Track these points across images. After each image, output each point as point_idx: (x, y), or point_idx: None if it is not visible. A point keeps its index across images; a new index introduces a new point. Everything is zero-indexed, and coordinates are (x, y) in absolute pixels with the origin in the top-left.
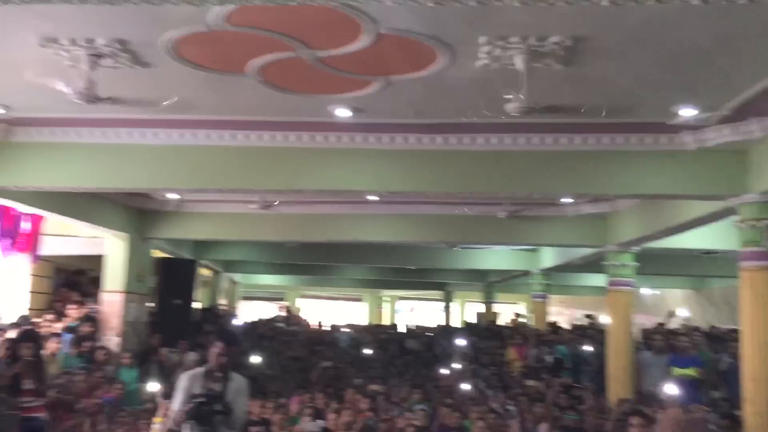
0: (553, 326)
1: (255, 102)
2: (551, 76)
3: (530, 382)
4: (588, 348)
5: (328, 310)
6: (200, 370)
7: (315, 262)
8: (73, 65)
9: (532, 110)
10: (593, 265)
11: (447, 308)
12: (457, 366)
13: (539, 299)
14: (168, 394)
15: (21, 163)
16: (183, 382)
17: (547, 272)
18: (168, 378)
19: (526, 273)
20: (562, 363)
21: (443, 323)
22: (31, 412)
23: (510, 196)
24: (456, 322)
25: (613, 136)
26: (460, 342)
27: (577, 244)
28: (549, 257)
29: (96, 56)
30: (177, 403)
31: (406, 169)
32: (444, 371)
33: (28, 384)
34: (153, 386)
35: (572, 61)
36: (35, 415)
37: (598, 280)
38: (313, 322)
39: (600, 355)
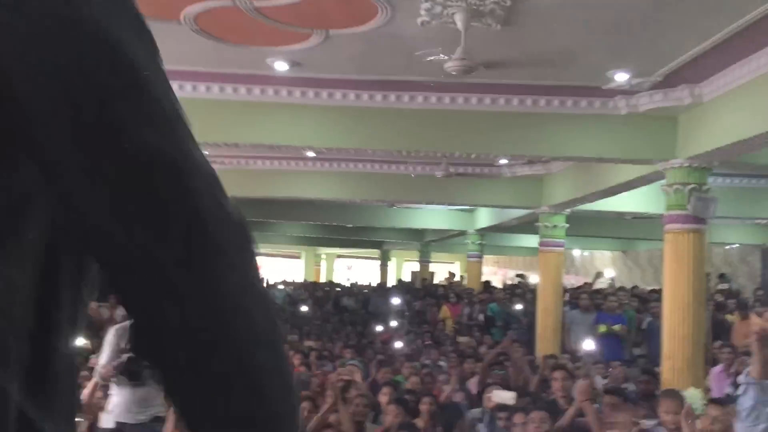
0: (486, 285)
1: (190, 52)
2: (490, 35)
3: (462, 339)
4: (518, 306)
5: (265, 267)
6: (127, 323)
7: (252, 218)
8: None
9: (470, 68)
10: (527, 226)
11: (384, 267)
12: (391, 323)
13: (474, 259)
14: (93, 351)
15: None
16: (110, 336)
17: (482, 232)
18: (97, 333)
19: (462, 233)
20: (494, 321)
21: (380, 282)
22: None
23: (448, 156)
24: (393, 281)
25: (549, 98)
26: (395, 300)
27: (512, 206)
28: (484, 218)
29: None
30: (105, 357)
31: (345, 126)
32: (379, 328)
33: None
34: (79, 341)
35: (511, 21)
36: None
37: (531, 240)
38: None
39: (529, 313)
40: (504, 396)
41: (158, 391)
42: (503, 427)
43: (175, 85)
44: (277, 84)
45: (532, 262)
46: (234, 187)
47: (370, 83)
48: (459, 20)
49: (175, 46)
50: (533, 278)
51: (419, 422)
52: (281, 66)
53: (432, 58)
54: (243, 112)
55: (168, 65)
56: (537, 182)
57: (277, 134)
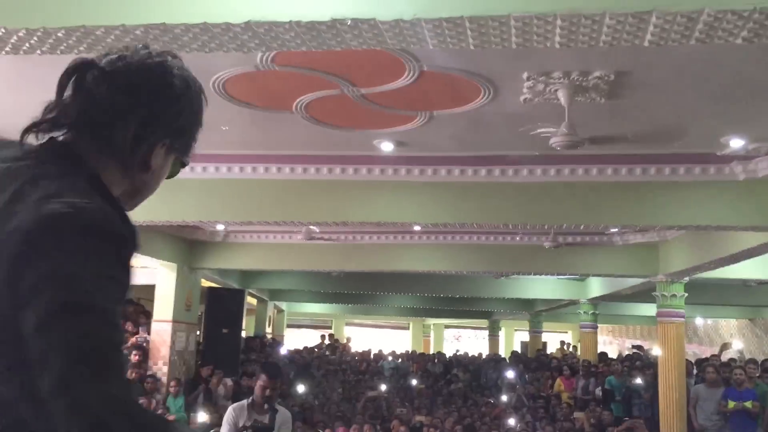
0: (602, 357)
1: (301, 137)
2: (594, 108)
3: (579, 415)
4: (638, 380)
5: (374, 338)
6: (245, 402)
7: (360, 290)
8: None
9: (576, 143)
10: (643, 294)
11: (493, 337)
12: (504, 397)
13: (587, 329)
14: (213, 424)
15: None
16: (229, 415)
17: (595, 301)
18: (214, 407)
19: (573, 302)
20: (612, 395)
21: (489, 352)
22: None
23: (556, 227)
24: (503, 351)
25: (659, 166)
26: (508, 373)
27: (626, 274)
28: (597, 287)
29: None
30: None
31: (449, 201)
32: (491, 402)
33: None
34: (201, 416)
35: (616, 95)
36: None
37: (648, 309)
38: (358, 350)
39: (651, 387)
40: None
41: None
42: None
43: (286, 168)
44: (382, 163)
45: (650, 331)
46: (343, 262)
47: (474, 159)
48: (562, 96)
49: (286, 133)
50: (653, 349)
51: None
52: (387, 146)
53: (539, 131)
54: (351, 191)
55: (280, 150)
56: (652, 250)
57: (383, 211)
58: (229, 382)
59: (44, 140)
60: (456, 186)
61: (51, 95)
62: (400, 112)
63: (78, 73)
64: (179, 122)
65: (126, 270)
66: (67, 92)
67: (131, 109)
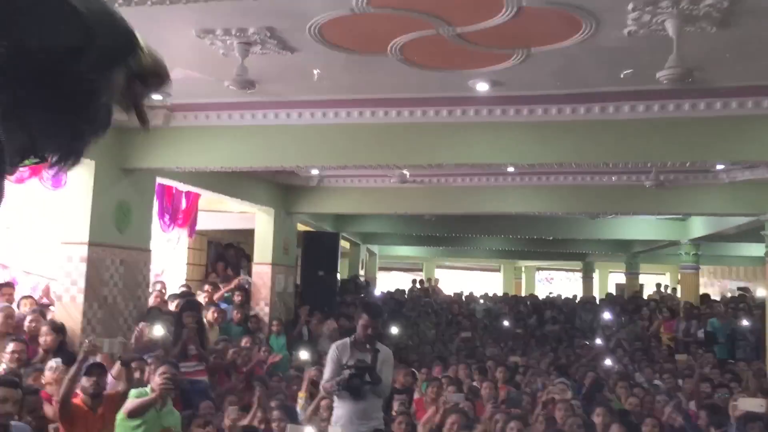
0: (704, 298)
1: (395, 80)
2: (704, 39)
3: (680, 357)
4: (744, 322)
5: (464, 281)
6: (347, 340)
7: (452, 233)
8: (226, 54)
9: (683, 76)
10: (749, 234)
11: (587, 279)
12: (599, 340)
13: (689, 270)
14: (314, 362)
15: (180, 146)
16: (332, 352)
17: (698, 242)
18: (313, 346)
19: (674, 243)
20: (715, 337)
21: (583, 294)
22: (196, 375)
23: (658, 165)
24: (597, 293)
25: None
26: (604, 315)
27: (732, 213)
28: (700, 226)
29: (247, 44)
30: (327, 372)
31: (546, 141)
32: (586, 344)
33: (192, 350)
34: (303, 354)
35: (728, 23)
36: (199, 379)
37: (754, 249)
38: (449, 292)
39: (757, 330)
40: (752, 404)
41: (378, 405)
42: None
43: (380, 112)
44: (477, 104)
45: (755, 272)
46: (435, 205)
47: (573, 96)
48: (670, 27)
49: (380, 76)
50: (759, 291)
51: None
52: (482, 86)
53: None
54: (445, 133)
55: (373, 94)
56: (761, 186)
57: (478, 153)
58: (333, 324)
59: None
60: (553, 125)
61: None
62: (497, 51)
63: None
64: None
65: None
66: None
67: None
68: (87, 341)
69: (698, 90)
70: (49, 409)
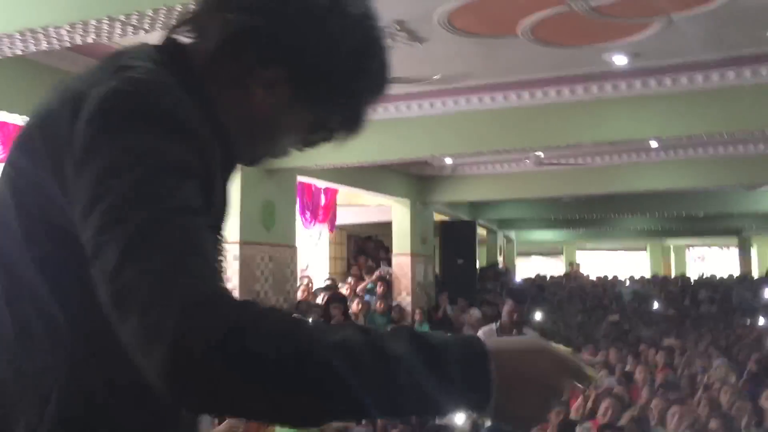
0: None
1: (526, 61)
2: None
3: None
4: None
5: (609, 263)
6: (493, 326)
7: (593, 215)
8: None
9: None
10: None
11: (745, 256)
12: (762, 319)
13: None
14: None
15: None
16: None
17: None
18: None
19: None
20: None
21: (741, 272)
22: None
23: None
24: (756, 271)
25: None
26: (765, 292)
27: None
28: None
29: None
30: None
31: (693, 111)
32: (747, 325)
33: None
34: None
35: None
36: None
37: None
38: (593, 276)
39: None
40: None
41: None
42: None
43: (512, 95)
44: (614, 79)
45: None
46: (572, 186)
47: (719, 62)
48: None
49: (511, 58)
50: None
51: None
52: (620, 60)
53: None
54: (581, 112)
55: (504, 77)
56: None
57: (618, 129)
58: (477, 313)
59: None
60: (699, 94)
61: None
62: (634, 21)
63: None
64: (311, 51)
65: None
66: None
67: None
68: None
69: None
70: None
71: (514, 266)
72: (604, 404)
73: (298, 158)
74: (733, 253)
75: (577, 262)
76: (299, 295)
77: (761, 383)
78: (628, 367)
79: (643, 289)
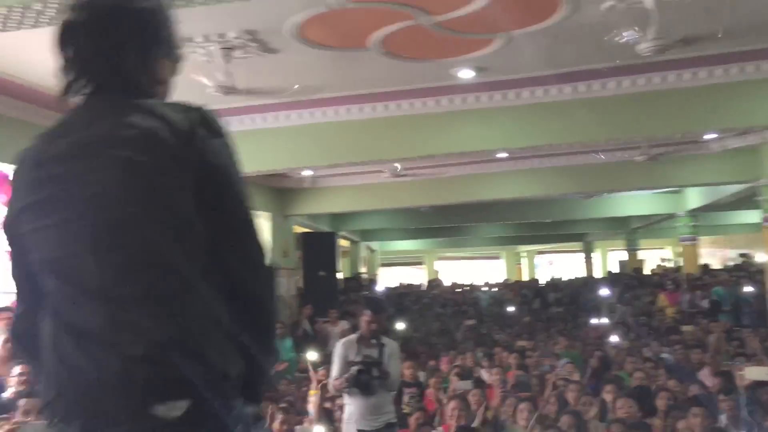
0: (706, 268)
1: (379, 74)
2: (681, 7)
3: (686, 328)
4: (747, 288)
5: (467, 270)
6: (353, 337)
7: (450, 224)
8: (209, 60)
9: (666, 47)
10: (745, 201)
11: (588, 259)
12: (604, 318)
13: (688, 242)
14: (321, 363)
15: None
16: (339, 349)
17: (694, 213)
18: (320, 346)
19: (670, 216)
20: (720, 306)
21: (585, 275)
22: None
23: (648, 139)
24: (599, 273)
25: (758, 63)
26: (605, 292)
27: (726, 182)
28: (695, 197)
29: (228, 49)
30: (335, 370)
31: (535, 124)
32: (592, 323)
33: None
34: (312, 355)
35: None
36: None
37: (751, 216)
38: (451, 284)
39: (760, 296)
40: (759, 372)
41: (388, 399)
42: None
43: (366, 108)
44: (463, 92)
45: (755, 239)
46: (429, 196)
47: (558, 77)
48: None
49: (364, 71)
50: (759, 256)
51: (655, 420)
52: (466, 74)
53: (625, 38)
54: (433, 123)
55: (359, 90)
56: (753, 153)
57: (468, 141)
58: (345, 325)
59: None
60: (541, 107)
61: None
62: (478, 36)
63: (67, 34)
64: (167, 34)
65: None
66: (66, 52)
67: (124, 43)
68: None
69: (682, 60)
70: None
71: (377, 276)
72: (451, 405)
73: None
74: (579, 257)
75: (437, 270)
76: None
77: (602, 378)
78: (483, 370)
79: (499, 293)
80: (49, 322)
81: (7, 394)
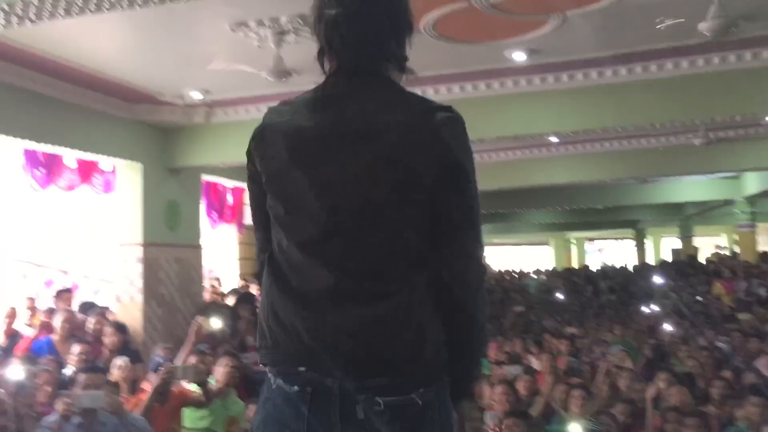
0: (764, 256)
1: (429, 58)
2: None
3: (743, 316)
4: None
5: (514, 257)
6: None
7: (497, 209)
8: (261, 45)
9: (727, 27)
10: None
11: (640, 246)
12: (657, 306)
13: (745, 229)
14: None
15: (222, 142)
16: None
17: (753, 199)
18: None
19: (728, 202)
20: None
21: (637, 263)
22: (256, 365)
23: (706, 122)
24: (651, 260)
25: None
26: (658, 280)
27: None
28: (754, 183)
29: (280, 33)
30: None
31: (588, 107)
32: (645, 311)
33: (250, 341)
34: None
35: None
36: (259, 369)
37: None
38: (499, 270)
39: None
40: None
41: None
42: None
43: (417, 91)
44: (515, 75)
45: None
46: (480, 182)
47: (613, 58)
48: None
49: (415, 55)
50: None
51: (710, 408)
52: (519, 56)
53: (668, 22)
54: (484, 107)
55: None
56: None
57: (519, 124)
58: None
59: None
60: (595, 89)
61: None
62: (532, 17)
63: (332, 23)
64: (410, 16)
65: None
66: (331, 41)
67: (387, 31)
68: (195, 323)
69: (742, 40)
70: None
71: None
72: (498, 390)
73: (201, 156)
74: (630, 244)
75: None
76: (206, 296)
77: (656, 366)
78: (533, 357)
79: (548, 280)
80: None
81: (68, 371)
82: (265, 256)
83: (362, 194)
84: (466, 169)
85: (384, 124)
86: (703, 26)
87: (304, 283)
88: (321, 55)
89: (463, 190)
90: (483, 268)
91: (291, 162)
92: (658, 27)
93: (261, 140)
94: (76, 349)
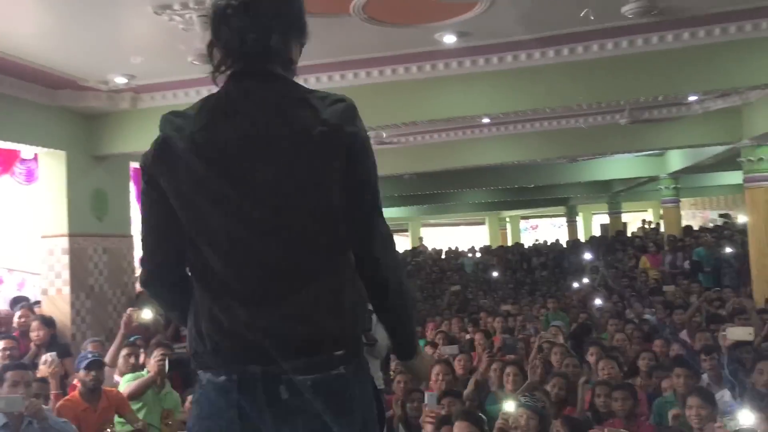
0: (688, 230)
1: (361, 40)
2: None
3: (668, 289)
4: (728, 249)
5: (451, 237)
6: None
7: (434, 190)
8: (187, 29)
9: (649, 9)
10: (727, 162)
11: (571, 223)
12: (587, 280)
13: (670, 204)
14: None
15: (150, 128)
16: None
17: (676, 175)
18: None
19: (653, 179)
20: (700, 266)
21: (568, 239)
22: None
23: (632, 102)
24: (582, 236)
25: (740, 24)
26: (588, 256)
27: (708, 143)
28: (677, 160)
29: (206, 17)
30: None
31: (518, 88)
32: (575, 286)
33: (185, 330)
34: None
35: None
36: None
37: (732, 177)
38: (435, 250)
39: (741, 256)
40: (740, 332)
41: (376, 365)
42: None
43: (349, 75)
44: (446, 57)
45: (735, 200)
46: (414, 163)
47: (541, 40)
48: None
49: (347, 38)
50: (740, 218)
51: (637, 380)
52: (449, 39)
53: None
54: (416, 90)
55: (342, 56)
56: (734, 114)
57: (452, 107)
58: None
59: (237, 72)
60: (524, 71)
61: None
62: (461, 1)
63: (220, 14)
64: (302, 20)
65: None
66: (219, 32)
67: (274, 27)
68: (126, 314)
69: (665, 22)
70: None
71: None
72: (435, 369)
73: (128, 143)
74: (562, 221)
75: (422, 237)
76: (138, 287)
77: (585, 341)
78: (468, 335)
79: (483, 259)
80: None
81: None
82: (158, 263)
83: (281, 193)
84: (366, 152)
85: (287, 126)
86: (626, 8)
87: (235, 282)
88: (211, 47)
89: (367, 173)
90: (390, 237)
91: (210, 173)
92: (582, 16)
93: (162, 160)
94: (0, 344)
